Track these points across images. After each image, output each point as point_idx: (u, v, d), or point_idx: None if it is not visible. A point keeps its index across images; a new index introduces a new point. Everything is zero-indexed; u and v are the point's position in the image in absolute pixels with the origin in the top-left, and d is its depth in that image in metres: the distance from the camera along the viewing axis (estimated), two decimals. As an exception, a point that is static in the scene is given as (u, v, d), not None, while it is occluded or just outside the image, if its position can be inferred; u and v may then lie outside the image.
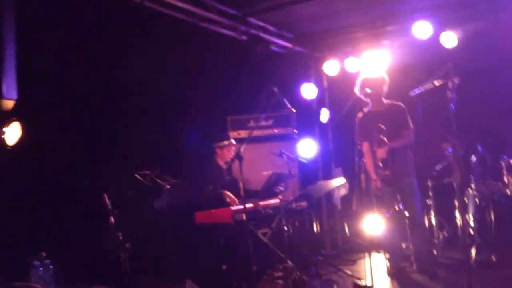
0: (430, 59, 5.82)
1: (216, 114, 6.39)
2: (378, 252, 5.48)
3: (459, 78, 4.20)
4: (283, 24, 6.43)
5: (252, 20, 6.03)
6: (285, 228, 4.69)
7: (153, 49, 5.51)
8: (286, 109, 5.49)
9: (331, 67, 6.95)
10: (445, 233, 5.87)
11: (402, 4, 5.90)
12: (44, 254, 3.89)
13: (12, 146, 3.64)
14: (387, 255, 5.18)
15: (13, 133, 3.62)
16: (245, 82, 6.36)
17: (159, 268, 4.82)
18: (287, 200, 4.94)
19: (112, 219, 4.33)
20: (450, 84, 4.18)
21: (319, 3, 5.67)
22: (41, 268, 3.85)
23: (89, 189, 4.82)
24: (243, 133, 6.20)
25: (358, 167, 4.46)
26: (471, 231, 5.24)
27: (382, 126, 4.82)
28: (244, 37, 5.99)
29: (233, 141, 5.45)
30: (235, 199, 4.95)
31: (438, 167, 5.97)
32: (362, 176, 4.55)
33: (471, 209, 5.32)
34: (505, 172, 5.31)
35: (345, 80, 6.11)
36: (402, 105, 5.16)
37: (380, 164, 4.84)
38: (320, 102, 7.38)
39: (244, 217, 4.29)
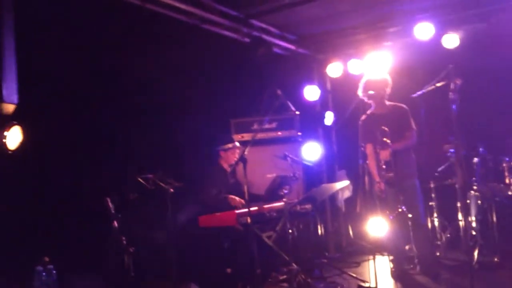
0: (432, 60, 5.80)
1: (218, 116, 6.34)
2: (382, 254, 5.48)
3: (461, 79, 4.20)
4: (285, 26, 6.40)
5: (254, 22, 6.00)
6: (290, 231, 4.69)
7: (153, 49, 5.47)
8: (289, 112, 5.43)
9: (334, 69, 6.92)
10: (448, 235, 5.87)
11: (403, 5, 5.90)
12: (47, 259, 3.86)
13: (13, 151, 3.60)
14: (391, 257, 5.18)
15: (14, 137, 3.57)
16: (247, 84, 6.32)
17: (163, 272, 4.79)
18: (292, 202, 4.92)
19: (115, 223, 4.31)
20: (452, 85, 4.19)
21: (320, 5, 5.64)
22: (44, 273, 3.82)
23: (90, 190, 4.79)
24: (247, 136, 6.15)
25: (362, 169, 4.44)
26: (474, 233, 5.25)
27: (385, 128, 4.82)
28: (247, 39, 5.95)
29: (237, 144, 5.40)
30: (241, 200, 4.91)
31: (440, 168, 5.98)
32: (366, 178, 4.53)
33: (473, 210, 5.33)
34: (507, 174, 5.30)
35: (348, 82, 6.07)
36: (405, 106, 5.15)
37: (384, 166, 4.84)
38: (323, 104, 7.34)
39: (249, 220, 4.27)
